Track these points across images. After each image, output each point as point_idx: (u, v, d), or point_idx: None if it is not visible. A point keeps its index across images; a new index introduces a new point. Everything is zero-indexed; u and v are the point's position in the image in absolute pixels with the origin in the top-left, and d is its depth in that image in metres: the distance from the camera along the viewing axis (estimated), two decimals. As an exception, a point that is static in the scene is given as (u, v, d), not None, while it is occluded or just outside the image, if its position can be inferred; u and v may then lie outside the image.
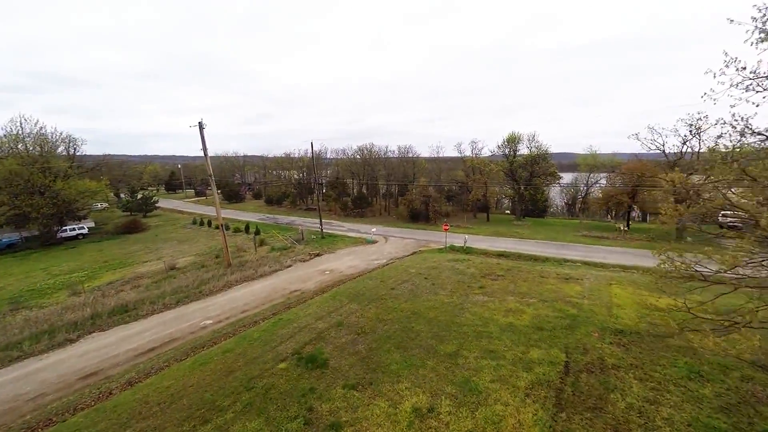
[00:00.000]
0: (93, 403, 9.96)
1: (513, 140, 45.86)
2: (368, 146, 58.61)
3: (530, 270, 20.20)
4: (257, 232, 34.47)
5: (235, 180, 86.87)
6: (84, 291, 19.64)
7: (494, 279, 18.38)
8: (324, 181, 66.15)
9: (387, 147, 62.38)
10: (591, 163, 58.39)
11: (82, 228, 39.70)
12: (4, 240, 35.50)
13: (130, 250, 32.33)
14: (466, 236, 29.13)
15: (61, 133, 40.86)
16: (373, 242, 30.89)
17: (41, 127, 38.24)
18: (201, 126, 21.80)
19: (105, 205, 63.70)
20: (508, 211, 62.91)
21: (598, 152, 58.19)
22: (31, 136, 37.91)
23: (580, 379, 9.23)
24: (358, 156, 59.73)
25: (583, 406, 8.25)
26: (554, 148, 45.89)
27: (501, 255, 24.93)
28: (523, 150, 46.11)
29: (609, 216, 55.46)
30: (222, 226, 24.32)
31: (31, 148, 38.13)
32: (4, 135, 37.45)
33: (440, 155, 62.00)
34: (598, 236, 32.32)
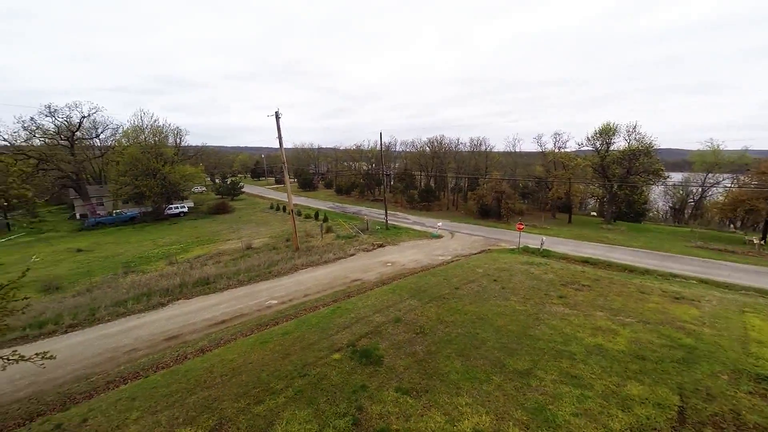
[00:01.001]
0: (171, 363, 10.89)
1: (607, 132, 39.78)
2: (438, 138, 56.76)
3: (625, 283, 16.99)
4: (325, 219, 35.74)
5: (309, 170, 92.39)
6: (177, 262, 22.34)
7: (578, 289, 15.83)
8: (392, 174, 66.21)
9: (458, 139, 59.63)
10: (710, 161, 48.01)
11: (184, 207, 45.86)
12: (129, 213, 42.81)
13: (217, 229, 36.23)
14: (544, 238, 26.02)
15: (170, 125, 47.63)
16: (438, 237, 29.59)
17: (155, 120, 44.91)
18: (277, 116, 22.88)
19: (203, 188, 73.11)
20: (594, 213, 55.44)
21: (720, 147, 47.47)
22: (149, 127, 44.80)
23: (702, 435, 7.05)
24: (427, 148, 58.31)
25: (708, 472, 6.21)
26: (656, 145, 38.40)
27: (586, 262, 21.63)
28: (620, 143, 39.74)
29: (732, 225, 45.15)
30: (292, 211, 25.49)
31: (149, 138, 45.18)
32: (130, 127, 44.99)
33: (516, 149, 57.23)
34: (720, 249, 26.18)
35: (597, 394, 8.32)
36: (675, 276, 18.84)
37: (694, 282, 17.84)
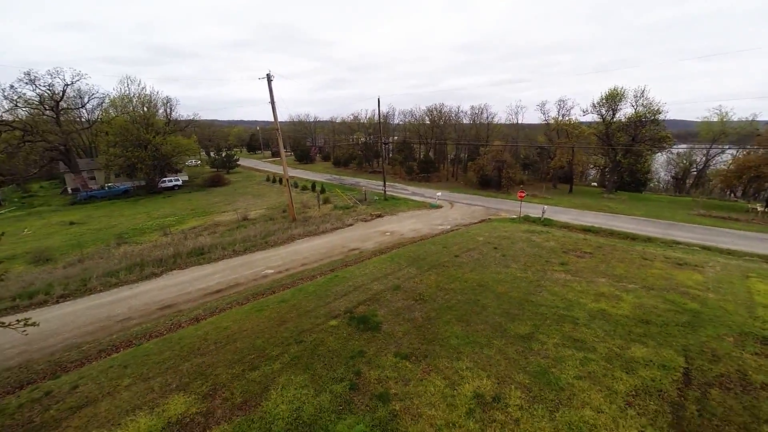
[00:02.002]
0: (165, 332, 10.66)
1: (614, 97, 38.16)
2: (438, 107, 54.79)
3: (628, 249, 16.70)
4: (322, 191, 35.06)
5: (306, 142, 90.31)
6: (171, 233, 21.88)
7: (580, 256, 15.54)
8: (390, 144, 64.68)
9: (459, 107, 57.66)
10: (717, 130, 46.63)
11: (178, 180, 44.86)
12: (121, 187, 41.88)
13: (213, 201, 35.57)
14: (545, 207, 25.57)
15: (158, 93, 45.60)
16: (438, 207, 29.08)
17: (143, 88, 42.87)
18: (269, 78, 21.60)
19: (198, 161, 71.60)
20: (595, 184, 54.71)
21: (729, 117, 45.85)
22: (137, 96, 42.85)
23: (709, 396, 6.86)
24: (426, 118, 56.46)
25: (715, 432, 6.05)
26: (663, 115, 36.97)
27: (587, 230, 21.27)
28: (626, 110, 38.30)
29: (733, 195, 44.68)
30: (288, 181, 24.77)
31: (138, 108, 43.36)
32: (117, 96, 43.04)
33: (519, 121, 55.43)
34: (723, 217, 25.84)
35: (600, 356, 8.11)
36: (678, 243, 18.55)
37: (697, 249, 17.57)
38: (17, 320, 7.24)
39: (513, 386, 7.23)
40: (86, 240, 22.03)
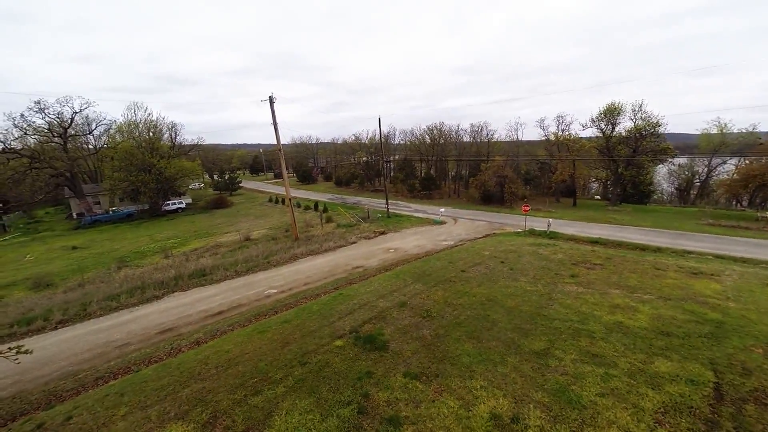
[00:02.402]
0: (164, 357, 10.27)
1: (612, 112, 38.60)
2: (438, 125, 55.57)
3: (638, 260, 16.28)
4: (325, 210, 35.02)
5: (309, 163, 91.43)
6: (173, 255, 21.68)
7: (590, 268, 15.13)
8: (391, 162, 65.22)
9: (458, 126, 58.41)
10: (717, 141, 46.78)
11: (181, 203, 45.14)
12: (125, 211, 42.12)
13: (215, 222, 35.56)
14: (550, 220, 25.28)
15: (164, 118, 46.60)
16: (441, 223, 28.85)
17: (149, 114, 43.90)
18: (271, 100, 22.01)
19: (202, 184, 72.39)
20: (598, 197, 54.50)
21: (728, 128, 46.07)
22: (143, 122, 43.82)
23: (745, 412, 6.38)
24: (427, 136, 57.11)
25: (756, 453, 5.55)
26: (662, 128, 37.27)
27: (595, 242, 20.87)
28: (625, 123, 38.60)
29: (739, 204, 44.24)
30: (290, 200, 24.76)
31: (144, 133, 44.22)
32: (123, 122, 44.04)
33: (519, 137, 55.86)
34: (733, 226, 25.40)
35: (622, 372, 7.65)
36: (689, 252, 18.11)
37: (710, 258, 17.11)
38: (9, 348, 6.95)
39: (532, 405, 6.77)
40: (87, 264, 21.85)
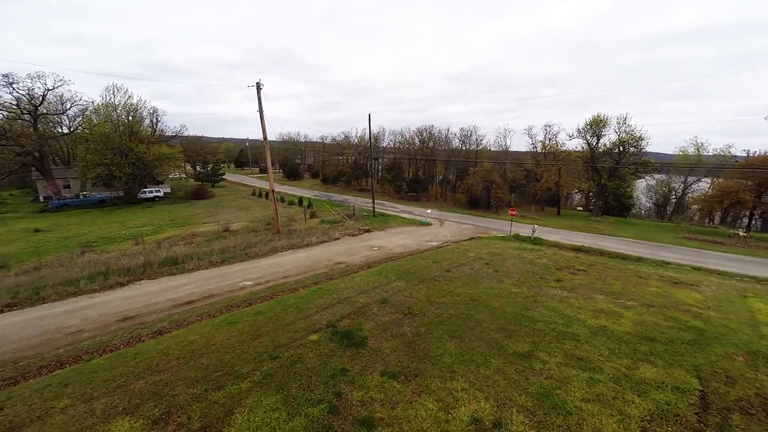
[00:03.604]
0: (121, 346, 9.40)
1: (598, 123, 39.48)
2: (428, 127, 55.54)
3: (621, 268, 16.34)
4: (309, 205, 34.18)
5: (296, 160, 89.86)
6: (144, 242, 20.48)
7: (574, 273, 15.04)
8: (380, 160, 64.76)
9: (448, 129, 58.60)
10: (693, 159, 48.63)
11: (158, 191, 43.20)
12: (97, 196, 39.94)
13: (194, 212, 34.14)
14: (535, 226, 25.36)
15: (145, 102, 44.64)
16: (428, 224, 28.55)
17: (129, 96, 41.90)
18: (258, 87, 21.21)
19: (183, 175, 69.87)
20: (580, 208, 55.64)
21: (704, 149, 47.98)
22: (122, 104, 41.81)
23: (731, 421, 6.16)
24: (416, 139, 56.97)
25: (745, 464, 5.30)
26: (645, 141, 38.38)
27: (578, 249, 20.98)
28: (610, 135, 39.53)
29: (711, 221, 46.00)
30: (273, 191, 23.92)
31: (122, 116, 42.17)
32: (102, 103, 41.90)
33: (507, 143, 56.35)
34: (708, 240, 26.12)
35: (608, 377, 7.37)
36: (668, 263, 18.35)
37: (688, 269, 17.37)
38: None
39: (515, 410, 6.37)
40: (49, 248, 20.36)
